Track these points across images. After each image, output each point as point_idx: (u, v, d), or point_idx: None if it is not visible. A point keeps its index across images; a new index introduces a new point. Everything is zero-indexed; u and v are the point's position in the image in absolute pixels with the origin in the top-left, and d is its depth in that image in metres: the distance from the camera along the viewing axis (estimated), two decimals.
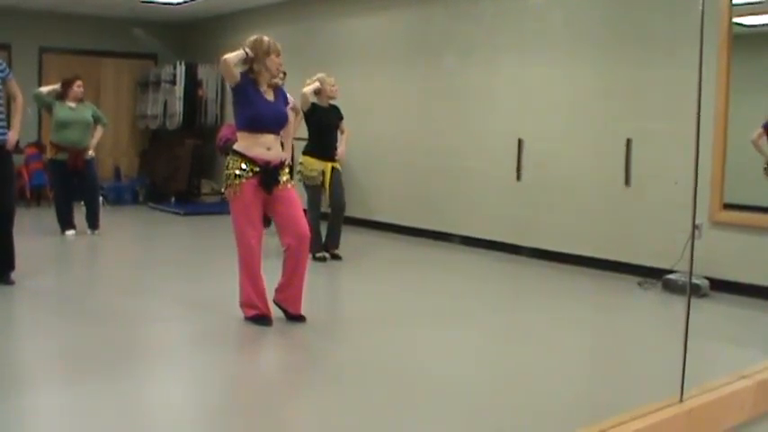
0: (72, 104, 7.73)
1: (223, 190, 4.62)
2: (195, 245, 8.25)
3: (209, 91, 11.58)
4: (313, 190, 6.83)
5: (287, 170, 4.72)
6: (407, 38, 8.55)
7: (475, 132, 7.76)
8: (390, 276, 6.58)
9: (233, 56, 4.43)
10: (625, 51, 6.43)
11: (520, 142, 7.24)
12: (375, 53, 8.82)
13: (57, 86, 7.73)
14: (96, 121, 7.93)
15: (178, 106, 11.32)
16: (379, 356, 4.26)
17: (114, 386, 3.55)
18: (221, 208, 10.84)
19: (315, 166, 6.73)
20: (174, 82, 11.36)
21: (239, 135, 4.60)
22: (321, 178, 6.75)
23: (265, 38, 4.59)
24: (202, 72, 11.53)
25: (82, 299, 5.44)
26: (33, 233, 7.81)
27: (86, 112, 7.85)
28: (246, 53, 4.48)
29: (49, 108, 7.67)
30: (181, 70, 11.35)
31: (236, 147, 4.57)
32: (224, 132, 11.03)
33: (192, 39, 12.34)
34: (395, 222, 8.52)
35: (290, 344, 4.50)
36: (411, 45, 8.50)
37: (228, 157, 4.56)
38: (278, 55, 4.60)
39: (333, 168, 6.82)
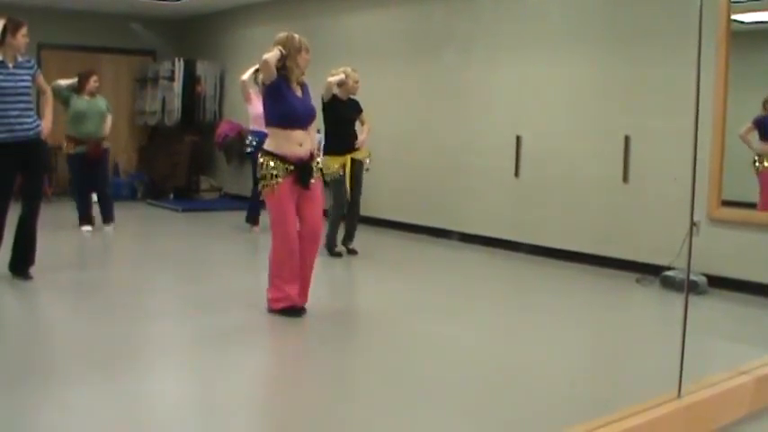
0: (87, 97, 7.91)
1: (260, 189, 4.75)
2: (197, 242, 8.25)
3: (207, 87, 11.57)
4: (336, 186, 6.83)
5: (317, 161, 4.84)
6: (407, 35, 8.55)
7: (474, 129, 7.76)
8: (388, 274, 6.58)
9: (272, 56, 4.53)
10: (624, 48, 6.44)
11: (518, 139, 7.25)
12: (374, 50, 8.82)
13: (74, 81, 7.86)
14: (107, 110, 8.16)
15: (176, 102, 11.31)
16: (377, 353, 4.28)
17: (119, 383, 3.56)
18: (220, 204, 10.89)
19: (332, 163, 6.71)
20: (172, 78, 11.35)
21: (270, 132, 4.70)
22: (342, 171, 6.76)
23: (296, 35, 4.70)
24: (201, 68, 11.51)
25: (87, 296, 5.46)
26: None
27: (101, 103, 8.06)
28: (282, 52, 4.57)
29: (66, 101, 7.80)
30: (179, 66, 11.34)
31: (267, 147, 4.68)
32: (223, 128, 11.05)
33: (191, 35, 12.33)
34: (393, 219, 8.52)
35: (291, 344, 4.52)
36: (410, 42, 8.50)
37: (262, 158, 4.66)
38: (307, 52, 4.74)
39: (353, 160, 6.83)
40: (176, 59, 11.39)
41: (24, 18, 5.50)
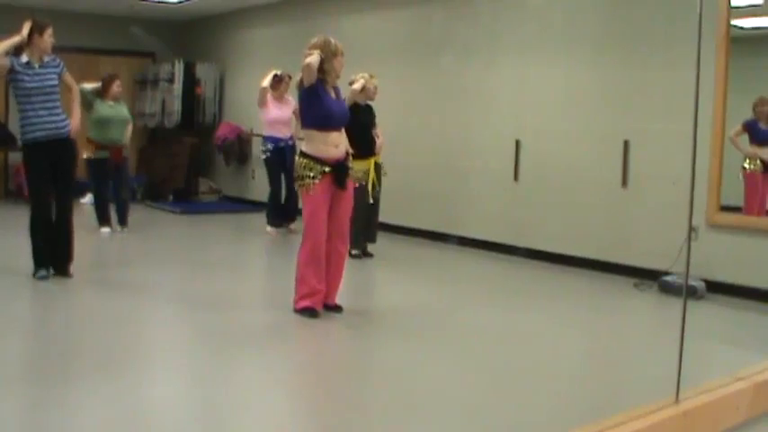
0: (111, 102, 7.94)
1: (297, 187, 4.86)
2: (200, 243, 8.26)
3: (207, 89, 11.57)
4: (358, 190, 6.82)
5: (351, 159, 4.93)
6: (406, 38, 8.55)
7: (473, 133, 7.76)
8: (386, 277, 6.59)
9: (314, 60, 4.62)
10: (623, 53, 6.45)
11: (517, 143, 7.25)
12: (373, 53, 8.82)
13: (97, 85, 7.90)
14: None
15: (176, 105, 11.32)
16: (376, 355, 4.29)
17: (122, 383, 3.56)
18: (219, 206, 10.90)
19: (359, 167, 6.71)
20: (172, 80, 11.36)
21: (307, 134, 4.80)
22: (365, 177, 6.78)
23: (331, 39, 4.80)
24: (200, 70, 11.52)
25: (94, 296, 5.48)
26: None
27: (123, 109, 8.11)
28: (321, 56, 4.66)
29: (90, 106, 7.82)
30: (179, 69, 11.35)
31: (304, 149, 4.78)
32: (222, 131, 11.05)
33: (191, 37, 12.34)
34: (391, 222, 8.51)
35: (294, 345, 4.52)
36: (409, 45, 8.50)
37: (298, 159, 4.77)
38: (342, 55, 4.83)
39: (375, 163, 6.89)
40: (176, 61, 11.39)
41: (23, 19, 5.54)
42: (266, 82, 8.12)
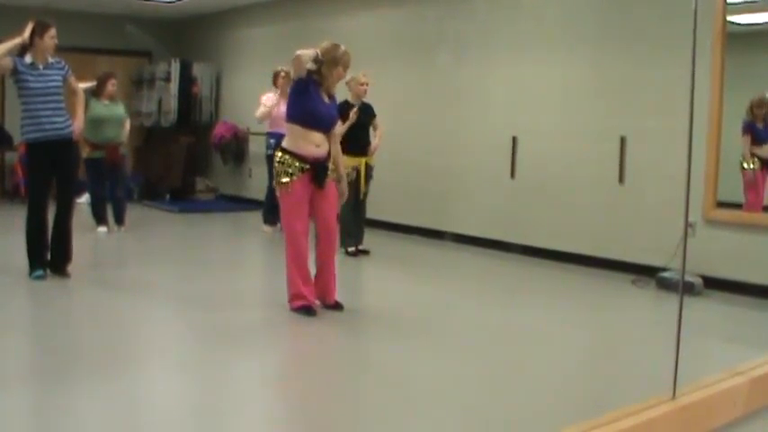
0: (106, 102, 7.92)
1: (275, 184, 4.80)
2: (198, 242, 8.26)
3: (203, 88, 11.56)
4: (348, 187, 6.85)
5: (331, 164, 4.89)
6: (401, 36, 8.55)
7: (469, 130, 7.76)
8: (382, 274, 6.58)
9: (305, 53, 4.58)
10: (620, 49, 6.45)
11: (514, 140, 7.25)
12: (369, 52, 8.79)
13: (92, 84, 7.87)
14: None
15: (173, 104, 11.30)
16: (374, 353, 4.29)
17: (117, 384, 3.56)
18: (216, 205, 10.89)
19: (348, 163, 6.72)
20: (168, 79, 11.34)
21: (289, 128, 4.75)
22: (354, 174, 6.77)
23: (341, 48, 4.78)
24: (197, 69, 11.51)
25: (95, 295, 5.47)
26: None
27: (119, 108, 8.10)
28: (317, 54, 4.63)
29: (85, 106, 7.74)
30: (175, 68, 11.34)
31: (285, 144, 4.74)
32: (219, 129, 11.05)
33: (187, 36, 12.33)
34: (387, 220, 8.52)
35: (291, 343, 4.52)
36: (405, 43, 8.50)
37: (279, 155, 4.71)
38: (345, 68, 4.82)
39: (366, 164, 6.86)
40: (172, 61, 11.38)
41: (19, 19, 5.54)
42: (261, 113, 8.09)
